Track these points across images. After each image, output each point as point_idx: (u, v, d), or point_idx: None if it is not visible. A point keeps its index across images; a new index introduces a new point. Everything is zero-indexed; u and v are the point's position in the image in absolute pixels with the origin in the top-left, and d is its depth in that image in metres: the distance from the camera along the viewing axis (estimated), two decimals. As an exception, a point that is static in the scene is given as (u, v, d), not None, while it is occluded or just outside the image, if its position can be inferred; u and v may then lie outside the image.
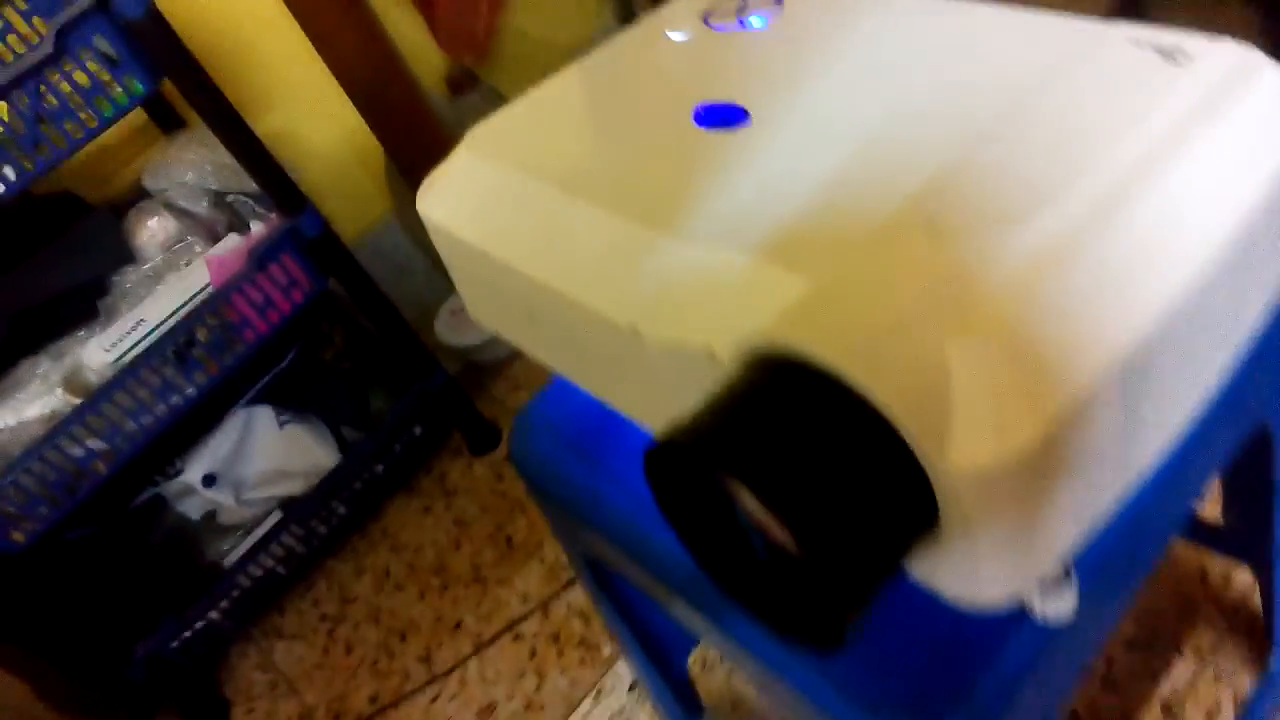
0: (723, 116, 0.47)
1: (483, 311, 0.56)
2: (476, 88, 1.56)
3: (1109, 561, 0.44)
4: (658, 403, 0.43)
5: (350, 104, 1.46)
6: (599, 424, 0.58)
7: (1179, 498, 0.48)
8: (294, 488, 1.32)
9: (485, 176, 0.50)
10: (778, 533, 0.33)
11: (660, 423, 0.37)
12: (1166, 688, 0.92)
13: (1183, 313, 0.36)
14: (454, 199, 0.51)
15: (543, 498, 0.60)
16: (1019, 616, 0.42)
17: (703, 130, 0.47)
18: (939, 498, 0.34)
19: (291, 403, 1.37)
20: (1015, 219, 0.36)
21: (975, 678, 0.41)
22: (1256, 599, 0.94)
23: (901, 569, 0.37)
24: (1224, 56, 0.40)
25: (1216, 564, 0.98)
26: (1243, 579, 0.96)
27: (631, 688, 1.12)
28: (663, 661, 0.84)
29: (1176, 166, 0.37)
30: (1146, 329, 0.35)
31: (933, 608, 0.43)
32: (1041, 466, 0.33)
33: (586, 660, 1.16)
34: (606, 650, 1.16)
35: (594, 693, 1.13)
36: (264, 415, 1.33)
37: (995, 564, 0.36)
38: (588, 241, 0.45)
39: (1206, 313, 0.37)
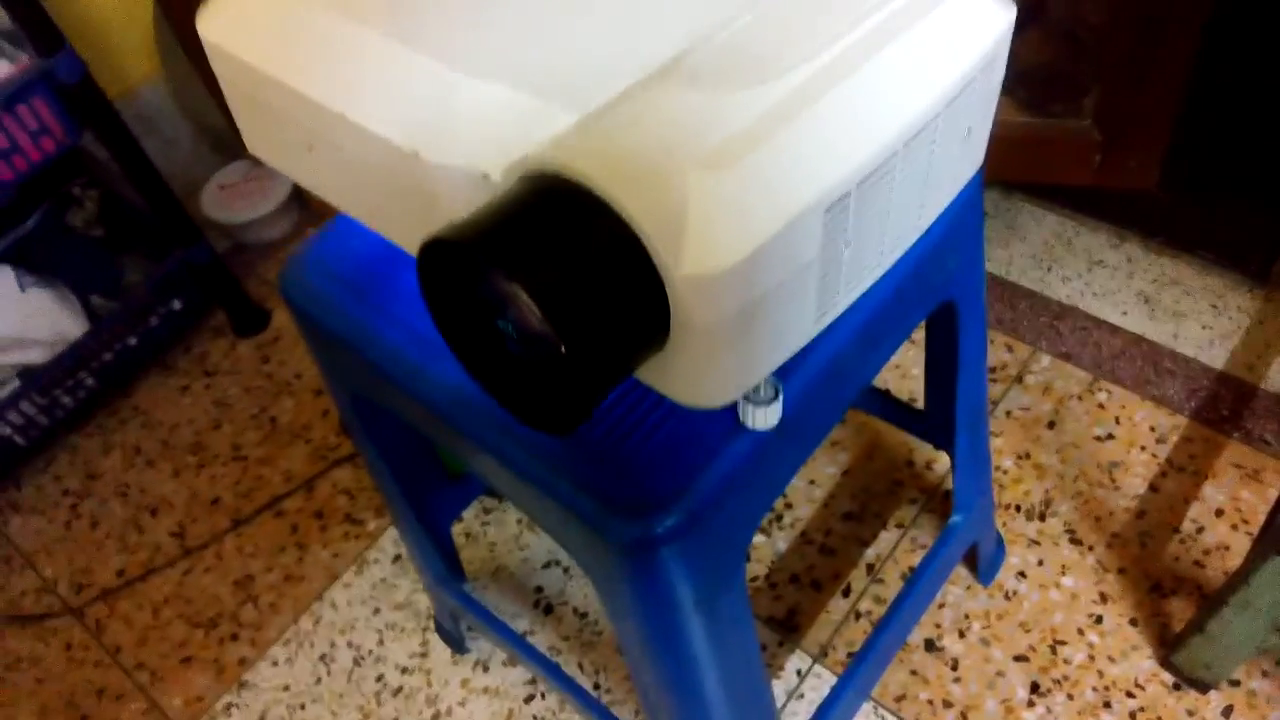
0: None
1: (261, 144, 0.57)
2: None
3: (812, 392, 0.52)
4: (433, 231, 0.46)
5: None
6: (374, 265, 0.60)
7: (874, 350, 0.57)
8: (36, 356, 1.24)
9: (271, -1, 0.51)
10: (535, 319, 0.38)
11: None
12: (872, 553, 1.06)
13: (876, 173, 0.43)
14: (237, 20, 0.52)
15: (314, 332, 0.62)
16: (734, 430, 0.49)
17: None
18: (671, 304, 0.40)
19: (36, 267, 1.28)
20: (754, 84, 0.43)
21: (694, 477, 0.48)
22: (950, 481, 1.10)
23: (633, 370, 0.42)
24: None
25: (922, 453, 1.14)
26: (941, 464, 1.12)
27: (395, 559, 1.15)
28: (429, 526, 0.88)
29: (882, 58, 0.45)
30: (845, 181, 0.42)
31: (660, 422, 0.50)
32: (751, 278, 0.40)
33: (350, 535, 1.18)
34: (372, 525, 1.18)
35: (357, 564, 1.15)
36: (3, 276, 1.23)
37: (714, 367, 0.42)
38: (373, 67, 0.47)
39: (896, 180, 0.45)
